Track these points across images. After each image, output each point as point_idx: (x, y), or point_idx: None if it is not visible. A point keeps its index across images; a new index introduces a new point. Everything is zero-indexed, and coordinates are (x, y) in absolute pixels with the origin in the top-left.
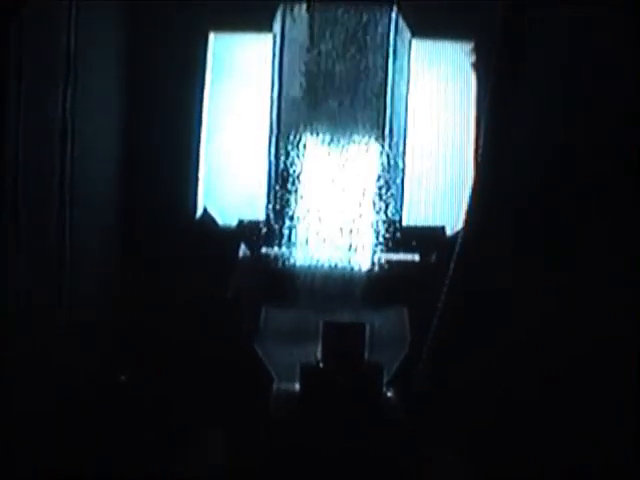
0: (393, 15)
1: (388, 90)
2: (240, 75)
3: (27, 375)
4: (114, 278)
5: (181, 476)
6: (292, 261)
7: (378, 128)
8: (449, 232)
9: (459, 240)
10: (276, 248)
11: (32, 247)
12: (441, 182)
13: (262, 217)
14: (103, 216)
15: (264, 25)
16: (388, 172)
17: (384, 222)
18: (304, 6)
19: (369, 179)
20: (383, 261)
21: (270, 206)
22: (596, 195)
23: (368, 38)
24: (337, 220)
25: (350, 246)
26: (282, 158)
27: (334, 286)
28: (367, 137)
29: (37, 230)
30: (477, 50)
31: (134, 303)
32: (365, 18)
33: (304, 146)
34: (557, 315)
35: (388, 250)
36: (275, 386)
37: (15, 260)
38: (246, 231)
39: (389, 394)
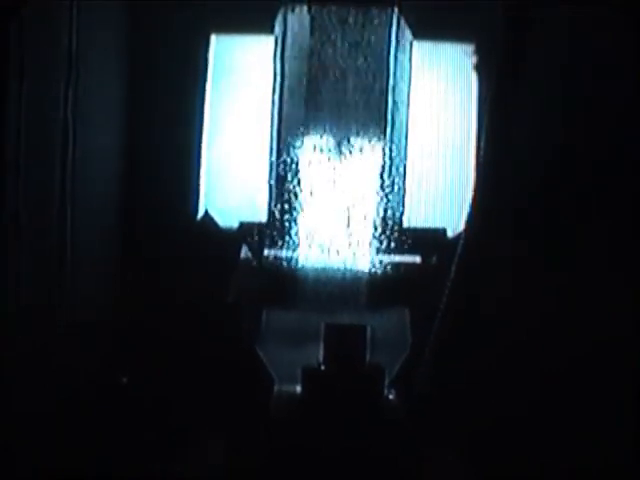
0: (394, 16)
1: (389, 91)
2: (241, 76)
3: (27, 375)
4: (114, 278)
5: (181, 476)
6: (293, 263)
7: (379, 130)
8: (450, 233)
9: (460, 241)
10: (277, 250)
11: (32, 247)
12: (441, 183)
13: (263, 219)
14: (103, 216)
15: (265, 26)
16: (389, 174)
17: (385, 223)
18: (305, 8)
19: (370, 181)
20: (384, 263)
21: (271, 208)
22: (596, 195)
23: (369, 39)
24: (338, 222)
25: (351, 248)
26: (283, 159)
27: (335, 288)
28: (368, 139)
29: (37, 230)
30: (478, 51)
31: (134, 303)
32: (366, 19)
33: (305, 148)
34: (557, 315)
35: (389, 252)
36: (276, 388)
37: (15, 260)
38: (247, 232)
39: (390, 396)
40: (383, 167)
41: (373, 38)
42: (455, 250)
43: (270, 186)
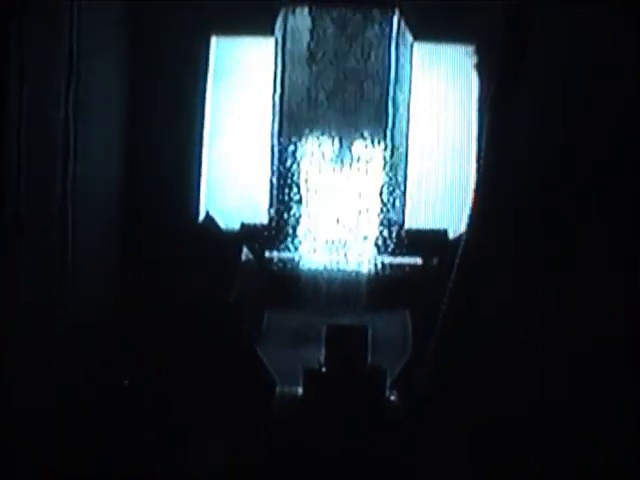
0: (395, 18)
1: (390, 93)
2: (242, 77)
3: (27, 375)
4: (114, 278)
5: (181, 476)
6: (294, 264)
7: (380, 131)
8: (451, 235)
9: (461, 243)
10: (278, 251)
11: (33, 247)
12: (442, 184)
13: (264, 220)
14: (103, 216)
15: (266, 28)
16: (390, 175)
17: (386, 225)
18: (306, 9)
19: (371, 182)
20: (385, 264)
21: (272, 209)
22: (596, 195)
23: (370, 41)
24: (339, 223)
25: (352, 249)
26: (284, 161)
27: (337, 289)
28: (369, 140)
29: (38, 230)
30: (478, 51)
31: (134, 303)
32: (367, 21)
33: (306, 149)
34: (557, 315)
35: (390, 253)
36: (278, 389)
37: (16, 260)
38: (248, 234)
39: (392, 396)
40: (384, 169)
41: (373, 39)
42: (456, 251)
43: (271, 187)
